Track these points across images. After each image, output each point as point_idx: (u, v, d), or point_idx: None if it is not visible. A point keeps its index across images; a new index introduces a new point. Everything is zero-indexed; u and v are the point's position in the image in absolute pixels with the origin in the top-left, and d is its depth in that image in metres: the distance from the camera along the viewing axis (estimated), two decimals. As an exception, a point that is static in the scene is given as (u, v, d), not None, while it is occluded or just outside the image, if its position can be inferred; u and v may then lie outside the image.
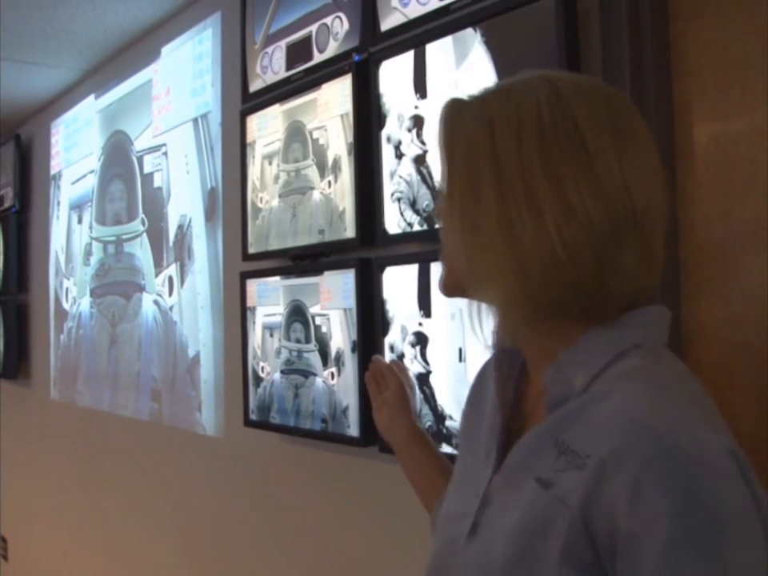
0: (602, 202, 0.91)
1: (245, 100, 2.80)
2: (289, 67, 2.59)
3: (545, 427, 0.96)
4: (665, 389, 0.90)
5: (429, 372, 2.02)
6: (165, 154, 3.50)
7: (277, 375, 2.58)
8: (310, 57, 2.49)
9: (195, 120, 3.25)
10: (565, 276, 0.92)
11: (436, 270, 2.00)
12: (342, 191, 2.30)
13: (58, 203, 4.69)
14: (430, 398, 2.01)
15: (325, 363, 2.37)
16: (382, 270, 2.17)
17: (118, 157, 3.96)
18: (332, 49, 2.40)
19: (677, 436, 0.83)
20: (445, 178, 1.00)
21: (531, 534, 0.90)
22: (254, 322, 2.71)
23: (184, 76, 3.34)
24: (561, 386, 0.96)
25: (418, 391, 2.01)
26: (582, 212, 0.91)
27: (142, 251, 3.69)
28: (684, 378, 0.95)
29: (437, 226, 1.98)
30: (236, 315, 2.84)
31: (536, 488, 0.92)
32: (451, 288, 1.08)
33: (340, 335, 2.30)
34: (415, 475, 1.45)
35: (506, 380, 1.10)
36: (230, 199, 2.98)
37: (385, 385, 1.54)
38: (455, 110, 1.02)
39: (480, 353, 1.85)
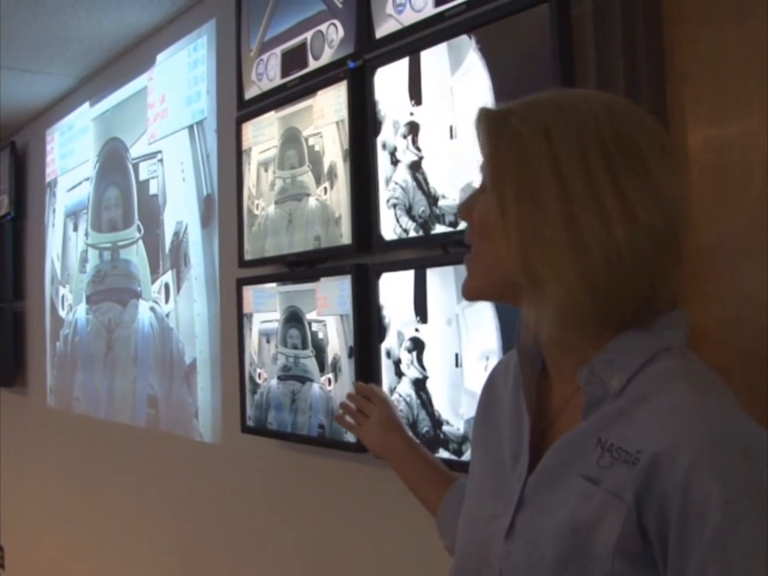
0: (661, 215, 0.97)
1: (240, 107, 2.81)
2: (284, 74, 2.59)
3: (585, 427, 1.00)
4: (706, 387, 0.96)
5: (425, 377, 2.03)
6: (160, 161, 3.50)
7: (274, 381, 2.59)
8: (305, 64, 2.50)
9: (191, 127, 3.26)
10: (628, 282, 0.97)
11: (432, 275, 2.00)
12: (337, 198, 2.30)
13: (54, 210, 4.69)
14: (426, 404, 2.02)
15: (321, 369, 2.37)
16: (378, 276, 2.17)
17: (114, 164, 3.96)
18: (327, 56, 2.40)
19: (725, 430, 0.89)
20: (491, 183, 1.03)
21: (583, 529, 0.94)
22: (250, 329, 2.71)
23: (179, 83, 3.34)
24: (597, 388, 1.00)
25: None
26: (647, 223, 0.96)
27: (137, 258, 3.70)
28: (715, 377, 1.00)
29: (437, 230, 1.99)
30: (232, 322, 2.84)
31: (584, 484, 0.96)
32: (477, 293, 1.11)
33: (336, 341, 2.31)
34: (415, 483, 1.49)
35: (529, 383, 1.13)
36: (226, 206, 2.99)
37: (368, 409, 1.58)
38: (499, 120, 1.04)
39: (476, 358, 1.86)
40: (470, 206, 1.07)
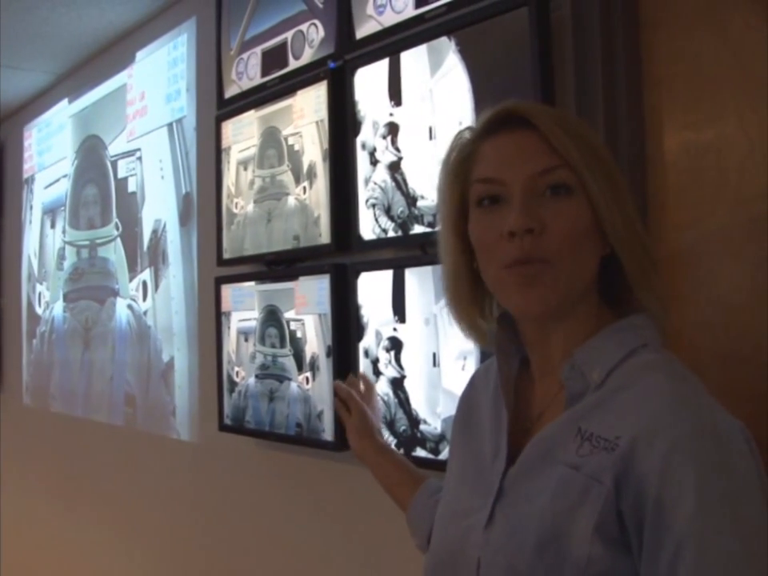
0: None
1: (220, 106, 2.81)
2: (264, 73, 2.59)
3: (565, 419, 1.03)
4: (683, 378, 1.00)
5: (403, 377, 2.03)
6: (139, 158, 3.49)
7: (252, 380, 2.59)
8: (285, 63, 2.50)
9: (170, 125, 3.25)
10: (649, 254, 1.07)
11: (410, 275, 2.01)
12: (317, 197, 2.31)
13: (31, 207, 4.67)
14: (404, 403, 2.03)
15: (300, 368, 2.37)
16: (356, 276, 2.18)
17: (92, 161, 3.95)
18: (307, 56, 2.41)
19: (702, 418, 0.93)
20: (589, 186, 1.04)
21: (563, 513, 0.96)
22: (228, 327, 2.71)
23: (159, 81, 3.34)
24: (577, 382, 1.04)
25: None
26: (639, 216, 1.07)
27: (115, 256, 3.69)
28: (689, 371, 1.03)
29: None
30: (210, 320, 2.84)
31: (566, 470, 0.98)
32: (558, 302, 1.05)
33: (315, 340, 2.31)
34: (387, 484, 1.56)
35: (507, 382, 1.15)
36: (205, 204, 2.99)
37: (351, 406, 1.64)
38: (564, 126, 1.06)
39: (453, 357, 1.88)
40: (535, 215, 1.02)
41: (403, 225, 2.02)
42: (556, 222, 1.02)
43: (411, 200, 2.00)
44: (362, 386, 1.71)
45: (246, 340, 2.62)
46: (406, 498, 1.49)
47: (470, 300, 1.16)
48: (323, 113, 2.29)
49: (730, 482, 0.89)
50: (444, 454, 1.89)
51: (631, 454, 0.93)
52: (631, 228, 1.05)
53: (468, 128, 1.14)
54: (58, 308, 4.27)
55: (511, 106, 1.07)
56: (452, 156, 1.13)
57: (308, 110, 2.36)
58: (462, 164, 1.11)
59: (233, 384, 2.68)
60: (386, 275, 2.08)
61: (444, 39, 1.92)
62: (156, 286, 3.34)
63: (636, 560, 0.92)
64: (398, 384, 2.05)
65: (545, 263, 1.01)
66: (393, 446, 1.63)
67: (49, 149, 4.46)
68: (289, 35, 2.49)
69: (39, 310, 4.53)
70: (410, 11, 2.03)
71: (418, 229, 1.98)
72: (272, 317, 2.49)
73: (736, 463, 0.91)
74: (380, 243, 2.11)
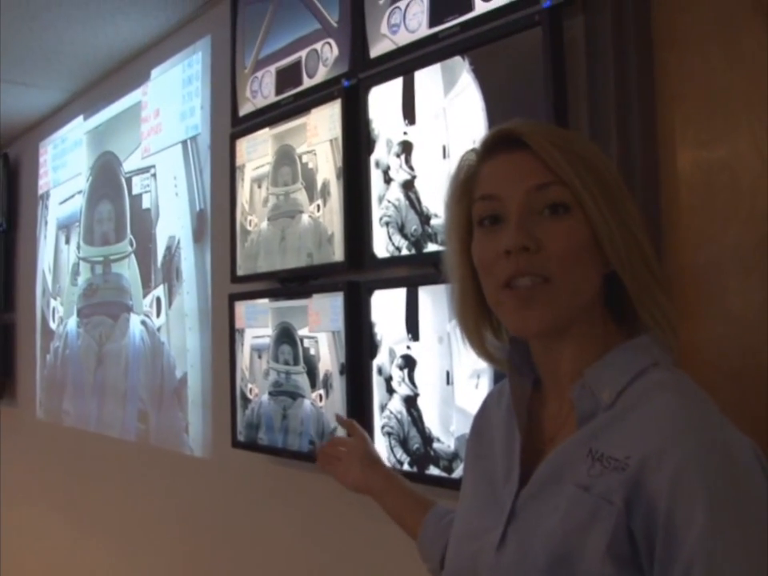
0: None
1: (234, 123, 2.82)
2: (278, 92, 2.61)
3: (576, 440, 1.02)
4: (692, 396, 0.99)
5: (416, 395, 2.04)
6: (153, 175, 3.51)
7: (265, 397, 2.59)
8: (299, 82, 2.52)
9: (184, 142, 3.27)
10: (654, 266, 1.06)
11: (424, 293, 2.02)
12: (330, 215, 2.32)
13: (46, 223, 4.70)
14: (417, 421, 2.03)
15: (313, 385, 2.38)
16: (370, 294, 2.19)
17: (107, 177, 3.97)
18: (321, 74, 2.42)
19: (712, 437, 0.93)
20: (585, 204, 1.04)
21: (574, 533, 0.96)
22: (242, 344, 2.72)
23: (173, 98, 3.36)
24: (588, 402, 1.03)
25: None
26: (646, 233, 1.07)
27: (129, 272, 3.70)
28: (701, 389, 1.02)
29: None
30: (224, 337, 2.84)
31: (576, 491, 0.98)
32: (555, 322, 1.05)
33: (328, 357, 2.32)
34: (397, 513, 1.54)
35: (519, 401, 1.15)
36: (219, 221, 3.00)
37: (347, 447, 1.66)
38: (561, 144, 1.06)
39: (467, 376, 1.88)
40: (531, 234, 1.02)
41: (417, 243, 2.03)
42: (553, 240, 1.02)
43: (425, 218, 2.01)
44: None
45: (260, 357, 2.63)
46: (416, 525, 1.48)
47: (477, 319, 1.16)
48: (337, 131, 2.30)
49: (740, 500, 0.89)
50: (457, 473, 1.89)
51: (641, 474, 0.92)
52: (632, 245, 1.04)
53: (473, 149, 1.14)
54: (72, 323, 4.28)
55: (506, 128, 1.09)
56: (457, 176, 1.15)
57: (322, 128, 2.37)
58: (466, 183, 1.13)
59: (246, 401, 2.69)
60: (400, 293, 2.09)
61: (458, 58, 1.93)
62: (170, 303, 3.35)
63: None
64: (411, 402, 2.05)
65: (542, 280, 1.02)
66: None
67: (64, 165, 4.49)
68: (303, 54, 2.51)
69: (53, 326, 4.54)
70: (424, 30, 2.04)
71: (431, 247, 1.99)
72: (285, 334, 2.50)
73: (747, 481, 0.91)
74: (393, 261, 2.12)
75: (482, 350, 1.19)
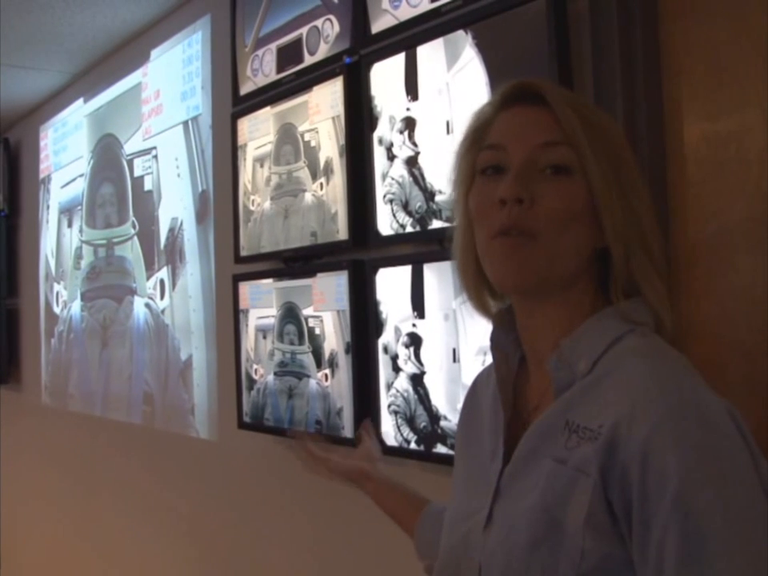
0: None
1: (235, 103, 2.81)
2: (279, 70, 2.59)
3: (552, 412, 1.01)
4: (666, 360, 0.98)
5: (423, 373, 2.03)
6: (155, 157, 3.50)
7: (270, 377, 2.59)
8: (300, 59, 2.50)
9: (185, 123, 3.25)
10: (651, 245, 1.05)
11: (429, 271, 2.01)
12: (334, 193, 2.30)
13: (48, 207, 4.68)
14: (424, 399, 2.02)
15: (318, 365, 2.37)
16: (374, 272, 2.18)
17: (108, 160, 3.96)
18: (323, 51, 2.40)
19: (683, 399, 0.91)
20: (589, 167, 1.02)
21: (553, 508, 0.95)
22: (246, 325, 2.72)
23: (174, 79, 3.34)
24: (565, 373, 1.02)
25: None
26: (649, 210, 1.06)
27: (132, 254, 3.69)
28: (677, 353, 1.01)
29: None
30: (228, 318, 2.84)
31: (553, 465, 0.97)
32: (536, 279, 1.03)
33: (333, 337, 2.31)
34: (390, 513, 1.55)
35: (505, 382, 1.14)
36: (222, 202, 2.99)
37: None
38: (573, 105, 1.05)
39: (473, 353, 1.87)
40: (528, 188, 1.01)
41: (421, 220, 2.02)
42: (548, 198, 1.01)
43: (429, 195, 1.99)
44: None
45: (265, 337, 2.62)
46: (408, 522, 1.49)
47: (476, 271, 1.12)
48: (339, 108, 2.29)
49: (714, 463, 0.88)
50: (465, 450, 1.88)
51: (613, 442, 0.91)
52: (631, 219, 1.02)
53: (489, 102, 1.13)
54: (76, 307, 4.28)
55: (527, 81, 1.08)
56: (472, 124, 1.13)
57: (324, 105, 2.35)
58: (477, 132, 1.11)
59: (251, 381, 2.68)
60: (405, 271, 2.08)
61: (460, 32, 1.91)
62: (173, 284, 3.34)
63: (629, 548, 0.91)
64: (417, 380, 2.04)
65: (528, 237, 1.01)
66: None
67: (65, 148, 4.47)
68: (304, 31, 2.49)
69: (57, 310, 4.54)
70: (426, 5, 2.02)
71: (436, 224, 1.97)
72: (290, 314, 2.49)
73: (721, 443, 0.89)
74: (398, 239, 2.10)
75: (478, 303, 1.17)
